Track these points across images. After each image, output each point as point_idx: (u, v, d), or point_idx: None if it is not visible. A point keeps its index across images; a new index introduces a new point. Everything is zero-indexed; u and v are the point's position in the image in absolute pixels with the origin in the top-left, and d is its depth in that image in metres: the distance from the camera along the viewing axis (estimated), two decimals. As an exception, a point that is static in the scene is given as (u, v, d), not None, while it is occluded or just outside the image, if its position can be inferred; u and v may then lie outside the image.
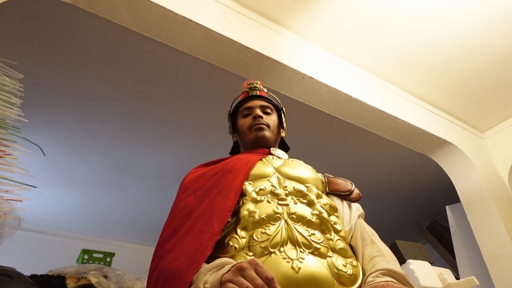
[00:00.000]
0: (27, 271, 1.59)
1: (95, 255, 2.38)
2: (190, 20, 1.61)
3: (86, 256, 2.35)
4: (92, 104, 2.43)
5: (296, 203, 0.92)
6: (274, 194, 0.94)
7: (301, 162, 1.14)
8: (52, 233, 3.79)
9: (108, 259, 2.40)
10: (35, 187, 1.26)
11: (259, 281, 0.61)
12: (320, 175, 1.11)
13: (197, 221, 0.86)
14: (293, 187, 0.97)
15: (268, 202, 0.91)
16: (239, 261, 0.70)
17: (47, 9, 1.78)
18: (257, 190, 0.94)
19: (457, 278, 2.04)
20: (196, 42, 1.71)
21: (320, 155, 3.05)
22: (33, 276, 1.75)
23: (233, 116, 1.30)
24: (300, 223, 0.87)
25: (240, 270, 0.64)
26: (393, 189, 3.60)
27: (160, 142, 2.82)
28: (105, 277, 1.82)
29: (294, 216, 0.88)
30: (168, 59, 2.12)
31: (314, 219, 0.89)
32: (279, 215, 0.87)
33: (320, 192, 0.99)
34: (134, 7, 1.54)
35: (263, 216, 0.86)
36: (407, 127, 2.38)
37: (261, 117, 1.18)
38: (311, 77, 1.97)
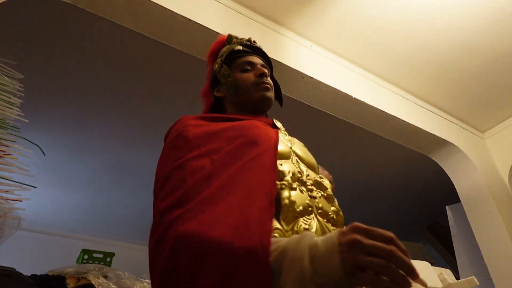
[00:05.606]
0: (27, 271, 1.59)
1: (95, 255, 2.37)
2: (190, 20, 1.61)
3: (86, 256, 2.34)
4: (92, 104, 2.43)
5: (320, 197, 0.82)
6: (301, 181, 0.81)
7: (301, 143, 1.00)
8: (52, 233, 3.80)
9: (108, 259, 2.39)
10: (35, 187, 1.26)
11: (387, 248, 0.48)
12: None
13: (224, 190, 0.70)
14: (313, 177, 0.87)
15: (300, 191, 0.78)
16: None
17: (47, 9, 1.78)
18: (290, 174, 0.80)
19: (457, 278, 2.03)
20: (196, 42, 1.71)
21: (320, 155, 3.04)
22: (33, 276, 1.74)
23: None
24: (325, 220, 0.79)
25: (355, 246, 0.49)
26: (393, 189, 3.60)
27: (160, 142, 2.80)
28: (105, 277, 1.81)
29: (321, 211, 0.79)
30: (168, 59, 2.12)
31: (335, 217, 0.82)
32: (311, 209, 0.77)
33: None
34: (134, 7, 1.54)
35: (301, 208, 0.74)
36: (407, 127, 2.38)
37: (267, 76, 1.01)
38: (311, 77, 1.97)
